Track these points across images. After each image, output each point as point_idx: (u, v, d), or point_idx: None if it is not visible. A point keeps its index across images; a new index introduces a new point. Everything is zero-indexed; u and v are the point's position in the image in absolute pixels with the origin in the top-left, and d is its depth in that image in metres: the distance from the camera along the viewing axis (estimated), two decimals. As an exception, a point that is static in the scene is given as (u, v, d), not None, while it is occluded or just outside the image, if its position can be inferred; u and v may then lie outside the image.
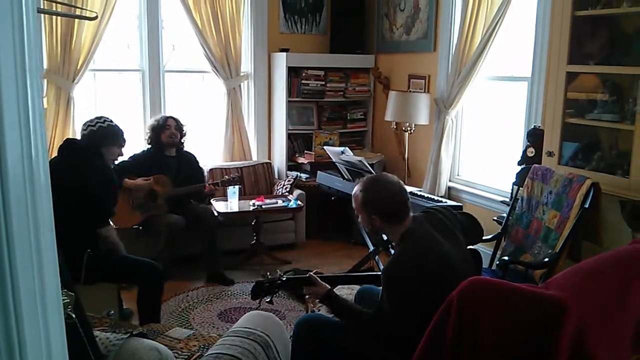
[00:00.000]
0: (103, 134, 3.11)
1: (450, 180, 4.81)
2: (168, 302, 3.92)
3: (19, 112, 0.65)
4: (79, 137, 3.35)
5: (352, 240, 5.11)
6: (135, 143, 4.91)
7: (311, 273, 2.36)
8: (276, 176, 5.50)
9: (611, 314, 1.43)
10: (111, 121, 3.20)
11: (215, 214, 4.42)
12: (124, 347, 1.67)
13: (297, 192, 5.00)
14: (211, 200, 4.60)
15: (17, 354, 0.69)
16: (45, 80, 4.70)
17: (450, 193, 4.78)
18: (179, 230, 4.24)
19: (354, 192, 2.33)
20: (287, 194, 4.94)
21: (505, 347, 1.45)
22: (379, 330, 2.15)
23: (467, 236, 2.39)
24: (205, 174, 5.03)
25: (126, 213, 4.26)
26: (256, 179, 5.26)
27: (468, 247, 2.46)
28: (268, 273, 2.44)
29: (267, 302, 2.42)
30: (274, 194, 5.09)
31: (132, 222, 4.29)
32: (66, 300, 1.04)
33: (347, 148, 4.15)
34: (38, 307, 0.73)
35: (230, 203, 4.47)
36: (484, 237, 3.49)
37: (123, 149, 3.27)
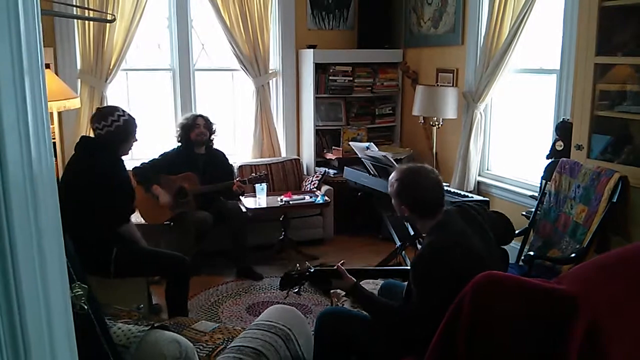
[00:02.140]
0: (120, 132, 3.08)
1: (479, 175, 4.75)
2: (198, 296, 4.01)
3: (18, 114, 0.69)
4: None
5: (380, 235, 5.11)
6: (166, 141, 5.01)
7: (339, 265, 2.39)
8: (305, 172, 5.53)
9: (628, 310, 1.41)
10: (123, 113, 3.13)
11: (244, 210, 4.48)
12: (145, 338, 1.72)
13: (325, 187, 5.03)
14: (240, 197, 4.67)
15: (20, 345, 0.73)
16: (79, 80, 4.85)
17: (479, 188, 4.73)
18: (207, 226, 4.32)
19: (390, 178, 2.34)
20: (315, 189, 4.97)
21: (516, 340, 1.44)
22: (406, 323, 2.16)
23: (498, 235, 2.36)
24: (235, 170, 5.11)
25: (155, 209, 4.36)
26: (285, 175, 5.31)
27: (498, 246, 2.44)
28: (297, 265, 2.48)
29: (294, 292, 2.45)
30: (303, 189, 5.13)
31: (161, 218, 4.38)
32: (79, 292, 1.09)
33: (372, 143, 4.15)
34: (41, 303, 0.76)
35: (258, 199, 4.52)
36: (517, 232, 3.48)
37: (137, 135, 3.23)
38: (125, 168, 3.23)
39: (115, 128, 3.08)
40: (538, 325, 1.39)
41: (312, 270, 2.42)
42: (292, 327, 2.40)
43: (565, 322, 1.33)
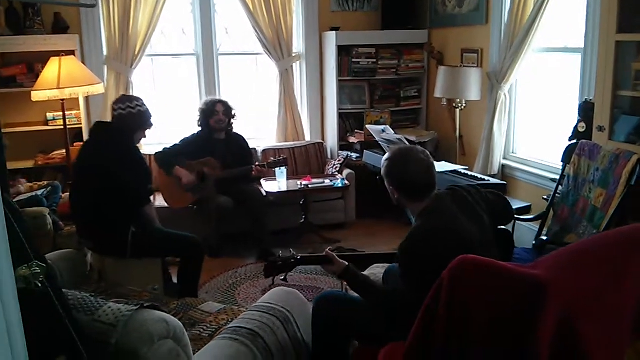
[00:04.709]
0: (135, 118, 3.21)
1: (504, 158, 4.64)
2: (217, 278, 4.08)
3: None
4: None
5: (404, 219, 5.05)
6: (192, 125, 5.05)
7: (327, 251, 2.37)
8: (329, 156, 5.52)
9: (604, 295, 1.36)
10: (144, 105, 3.27)
11: (264, 194, 4.51)
12: (133, 317, 1.75)
13: (346, 171, 5.01)
14: (261, 181, 4.70)
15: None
16: (105, 67, 4.95)
17: (504, 171, 4.62)
18: (228, 211, 4.38)
19: (382, 158, 2.31)
20: (336, 173, 4.96)
21: (491, 325, 1.41)
22: (393, 306, 2.14)
23: (494, 217, 2.30)
24: (259, 155, 5.14)
25: (178, 194, 4.45)
26: (308, 159, 5.31)
27: (499, 227, 2.38)
28: (280, 252, 2.47)
29: (281, 279, 2.46)
30: (325, 173, 5.12)
31: (184, 202, 4.46)
32: (37, 271, 1.12)
33: (387, 126, 4.10)
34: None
35: (278, 183, 4.55)
36: (530, 217, 3.40)
37: (148, 132, 3.36)
38: (140, 152, 3.30)
39: (132, 112, 3.21)
40: (509, 310, 1.36)
41: (298, 258, 2.41)
42: (292, 309, 2.40)
43: (536, 307, 1.29)
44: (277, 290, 2.51)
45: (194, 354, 2.09)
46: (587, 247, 1.43)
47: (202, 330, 2.53)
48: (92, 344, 1.70)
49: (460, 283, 1.47)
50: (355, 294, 2.58)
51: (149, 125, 3.30)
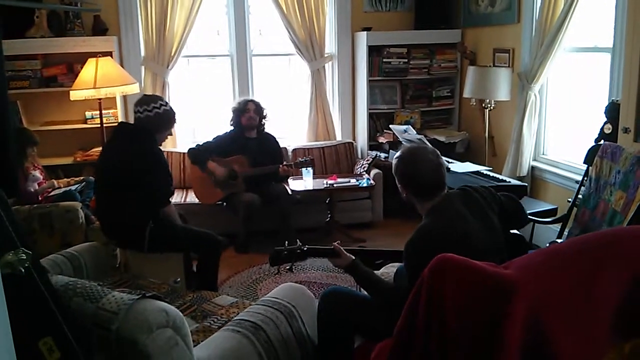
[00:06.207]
0: (158, 119, 3.22)
1: (534, 160, 4.56)
2: (241, 274, 4.19)
3: None
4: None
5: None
6: (226, 125, 5.19)
7: (335, 244, 2.41)
8: (359, 156, 5.55)
9: (577, 296, 1.35)
10: (166, 104, 3.28)
11: (290, 193, 4.59)
12: (134, 306, 1.85)
13: (374, 171, 5.03)
14: (288, 180, 4.78)
15: None
16: (143, 67, 5.13)
17: (533, 173, 4.54)
18: (255, 208, 4.48)
19: (394, 156, 2.35)
20: (363, 173, 4.99)
21: (465, 324, 1.43)
22: (396, 302, 2.16)
23: (505, 219, 2.29)
24: (289, 154, 5.22)
25: (209, 190, 4.59)
26: (338, 159, 5.35)
27: (511, 231, 2.37)
28: (286, 242, 2.53)
29: (287, 269, 2.50)
30: (354, 173, 5.15)
31: (214, 198, 4.60)
32: (23, 257, 1.22)
33: (409, 126, 4.10)
34: None
35: (304, 181, 4.62)
36: (549, 219, 3.34)
37: (173, 130, 3.39)
38: (162, 154, 3.35)
39: (153, 115, 3.23)
40: (481, 309, 1.38)
41: (304, 249, 2.46)
42: (297, 305, 2.46)
43: (504, 308, 1.30)
44: (284, 285, 2.57)
45: (201, 344, 2.19)
46: (563, 248, 1.43)
47: (212, 322, 2.61)
48: (95, 330, 1.81)
49: (438, 282, 1.50)
50: (363, 291, 2.64)
51: (172, 124, 3.33)
